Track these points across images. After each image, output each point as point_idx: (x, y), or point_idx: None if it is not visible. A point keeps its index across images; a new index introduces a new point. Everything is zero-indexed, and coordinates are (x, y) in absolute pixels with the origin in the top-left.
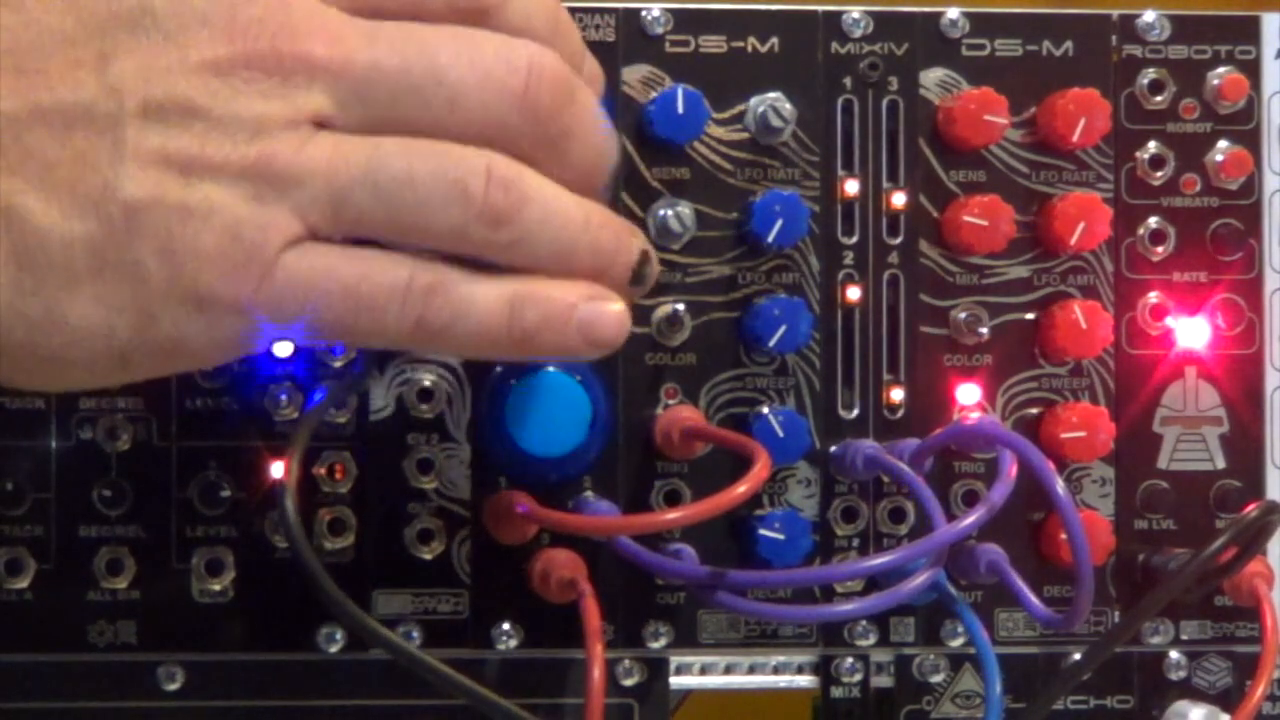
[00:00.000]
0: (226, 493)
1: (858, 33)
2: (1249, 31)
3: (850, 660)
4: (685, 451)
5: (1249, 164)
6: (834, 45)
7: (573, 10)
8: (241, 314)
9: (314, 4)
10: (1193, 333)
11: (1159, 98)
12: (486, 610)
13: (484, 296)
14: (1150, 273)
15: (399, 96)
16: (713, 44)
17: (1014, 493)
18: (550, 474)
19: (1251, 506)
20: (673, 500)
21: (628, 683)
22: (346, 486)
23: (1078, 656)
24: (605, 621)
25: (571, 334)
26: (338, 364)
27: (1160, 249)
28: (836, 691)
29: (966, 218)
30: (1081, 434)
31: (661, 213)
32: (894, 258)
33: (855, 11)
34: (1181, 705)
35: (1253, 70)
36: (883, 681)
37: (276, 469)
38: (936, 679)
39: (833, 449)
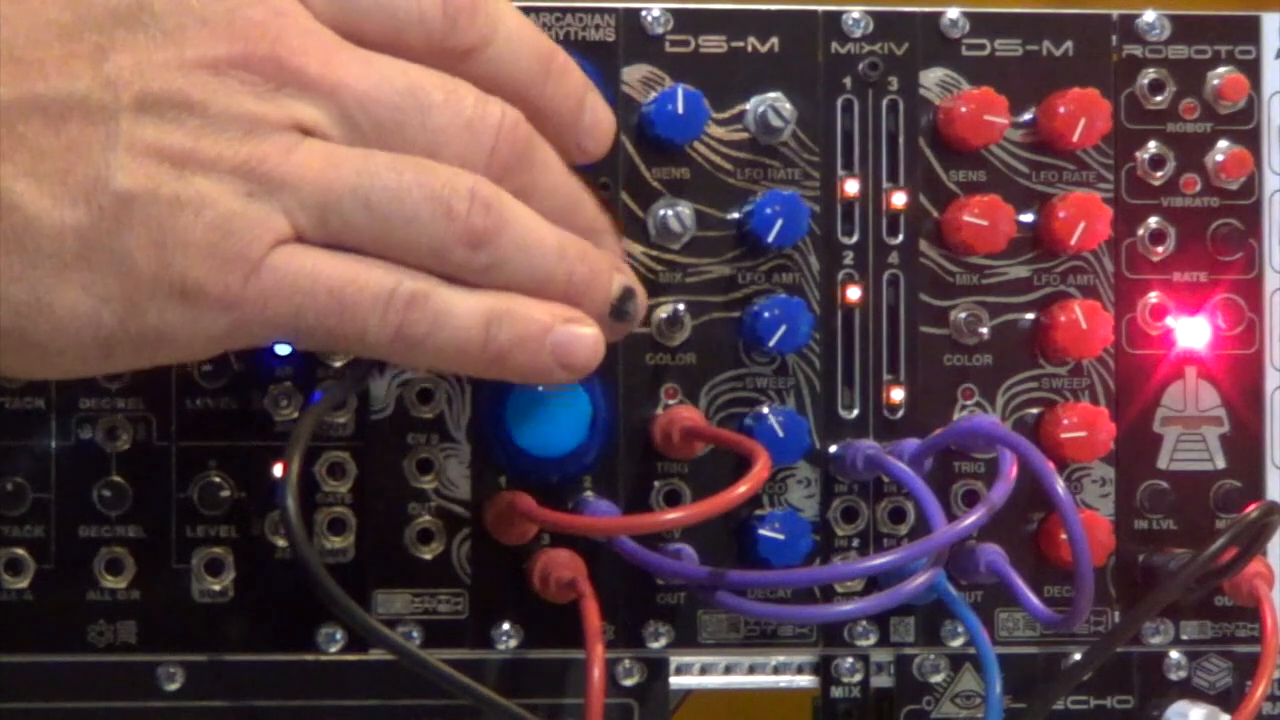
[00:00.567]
0: (226, 493)
1: (858, 33)
2: (1249, 31)
3: (850, 660)
4: (685, 451)
5: (1249, 164)
6: (834, 45)
7: (573, 10)
8: (227, 309)
9: (309, 20)
10: (1193, 333)
11: (1159, 98)
12: (486, 610)
13: (463, 310)
14: (1150, 273)
15: (385, 129)
16: (713, 44)
17: (1014, 493)
18: (550, 474)
19: (1251, 507)
20: (673, 500)
21: (628, 683)
22: (346, 486)
23: (1078, 656)
24: (605, 621)
25: (544, 355)
26: (338, 364)
27: (1160, 249)
28: (836, 691)
29: (966, 218)
30: (1081, 434)
31: (661, 213)
32: (894, 258)
33: (855, 11)
34: (1181, 705)
35: (1253, 70)
36: (883, 681)
37: (277, 469)
38: (936, 679)
39: (833, 449)
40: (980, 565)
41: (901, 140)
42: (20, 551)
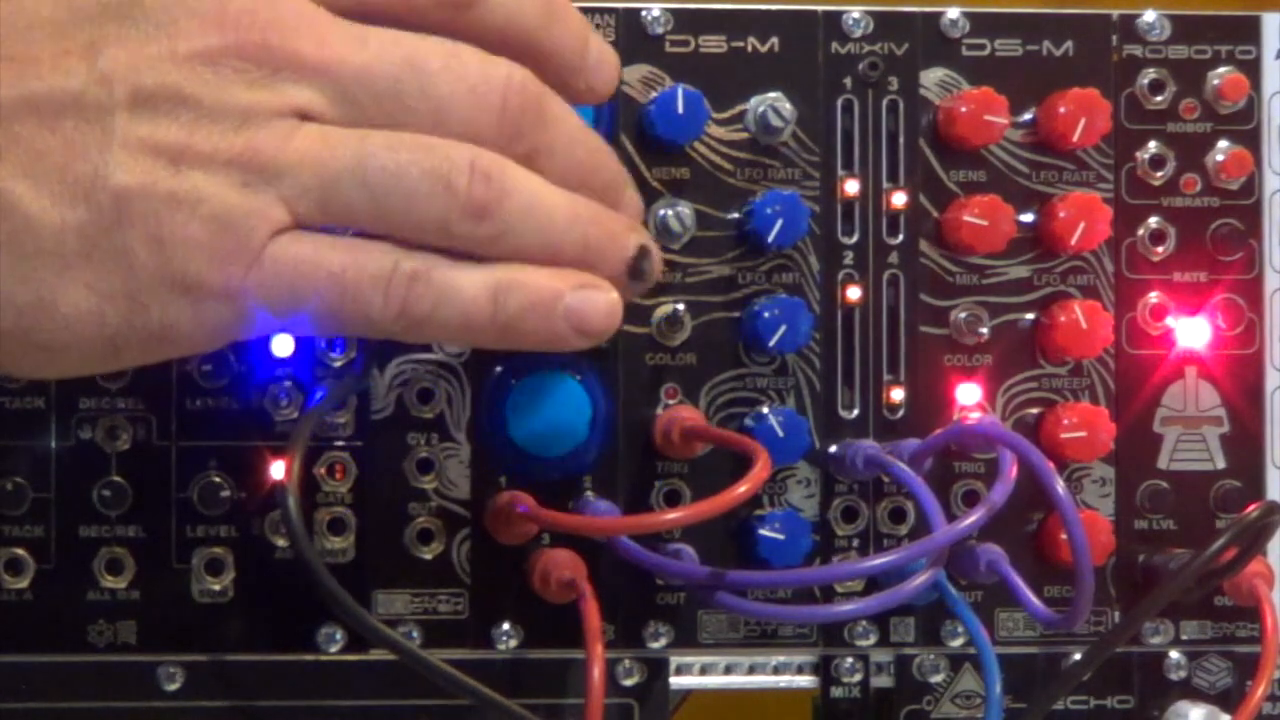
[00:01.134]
0: (226, 493)
1: (858, 33)
2: (1249, 31)
3: (850, 660)
4: (685, 451)
5: (1249, 164)
6: (834, 45)
7: None
8: (230, 301)
9: (303, 2)
10: (1193, 333)
11: (1159, 98)
12: (486, 610)
13: (468, 283)
14: (1150, 273)
15: (384, 104)
16: (713, 44)
17: (1014, 493)
18: (550, 474)
19: (1252, 507)
20: (673, 500)
21: (628, 683)
22: (346, 486)
23: (1078, 656)
24: (605, 621)
25: (558, 321)
26: (338, 364)
27: (1160, 249)
28: (836, 691)
29: (966, 218)
30: (1081, 434)
31: (661, 213)
32: (894, 258)
33: (855, 11)
34: (1181, 705)
35: (1253, 70)
36: (883, 681)
37: (276, 469)
38: (936, 679)
39: (833, 449)
40: (980, 565)
41: (901, 140)
42: (20, 551)
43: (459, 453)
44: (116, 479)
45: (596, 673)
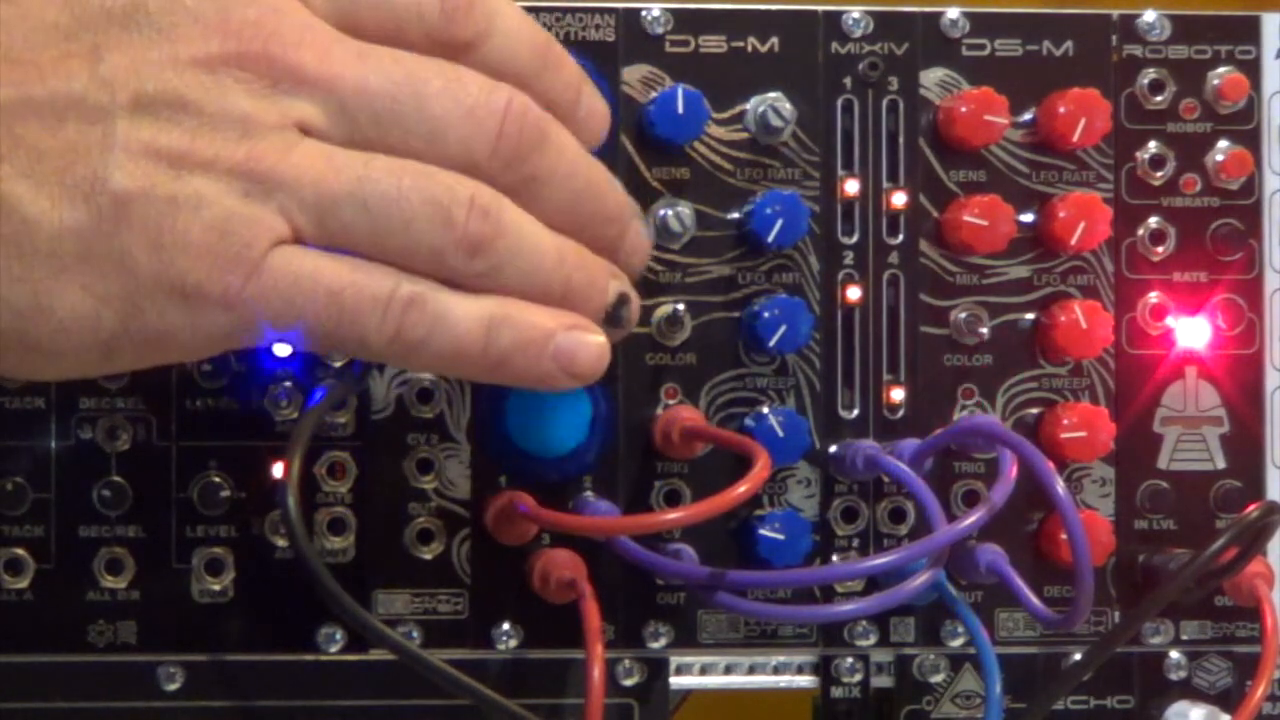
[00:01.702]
0: (226, 493)
1: (858, 33)
2: (1249, 31)
3: (850, 660)
4: (685, 451)
5: (1249, 164)
6: (834, 45)
7: (573, 10)
8: (228, 309)
9: (306, 16)
10: (1193, 333)
11: (1159, 98)
12: (486, 610)
13: (463, 314)
14: (1150, 273)
15: (383, 122)
16: (713, 44)
17: (1014, 493)
18: (550, 474)
19: (1252, 507)
20: (673, 500)
21: (628, 683)
22: (346, 486)
23: (1078, 656)
24: (605, 621)
25: (546, 361)
26: (338, 364)
27: (1160, 249)
28: (836, 691)
29: (966, 218)
30: (1081, 434)
31: (661, 213)
32: (894, 258)
33: (855, 11)
34: (1181, 705)
35: (1253, 70)
36: (883, 681)
37: (277, 469)
38: (936, 679)
39: (833, 449)
40: (980, 565)
41: (901, 140)
42: (20, 551)
43: (459, 453)
44: (116, 479)
45: (596, 673)
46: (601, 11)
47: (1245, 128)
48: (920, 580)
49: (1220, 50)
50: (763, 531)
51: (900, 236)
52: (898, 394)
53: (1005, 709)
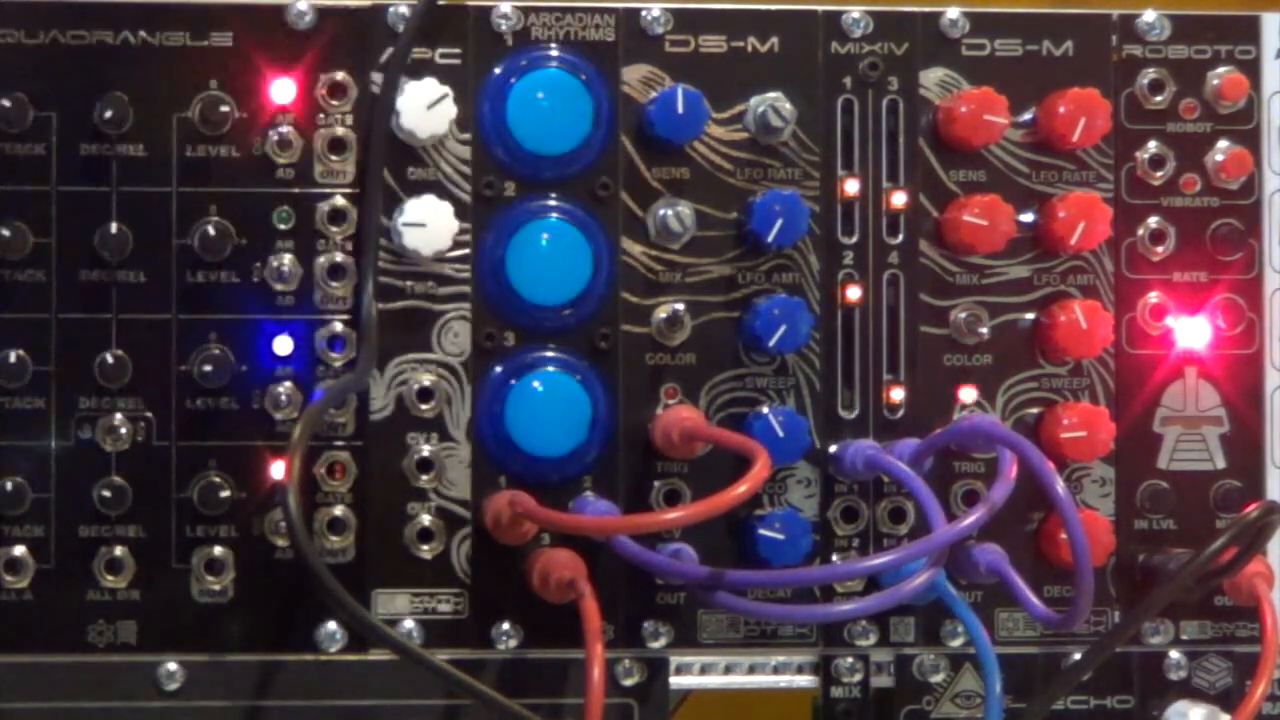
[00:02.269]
0: (226, 493)
1: (858, 33)
2: (1249, 31)
3: (850, 660)
4: (685, 451)
5: (1249, 164)
6: (834, 45)
7: (573, 10)
8: None
9: None
10: (1193, 333)
11: (1159, 98)
12: (486, 610)
13: None
14: (1150, 273)
15: None
16: (713, 44)
17: (1014, 493)
18: (550, 474)
19: (1251, 506)
20: (673, 500)
21: (628, 683)
22: (346, 486)
23: (1078, 656)
24: (605, 621)
25: None
26: (338, 363)
27: (1160, 249)
28: (836, 691)
29: (966, 218)
30: (1081, 434)
31: (661, 213)
32: (894, 258)
33: (855, 11)
34: (1181, 705)
35: (1253, 70)
36: (883, 681)
37: (276, 469)
38: (936, 679)
39: (833, 449)
40: (980, 565)
41: (901, 140)
42: (20, 551)
43: (459, 453)
44: (116, 479)
45: (596, 673)
46: (601, 11)
47: (1245, 128)
48: (920, 580)
49: (1220, 50)
50: (763, 531)
51: (900, 236)
52: (898, 394)
53: (1005, 709)
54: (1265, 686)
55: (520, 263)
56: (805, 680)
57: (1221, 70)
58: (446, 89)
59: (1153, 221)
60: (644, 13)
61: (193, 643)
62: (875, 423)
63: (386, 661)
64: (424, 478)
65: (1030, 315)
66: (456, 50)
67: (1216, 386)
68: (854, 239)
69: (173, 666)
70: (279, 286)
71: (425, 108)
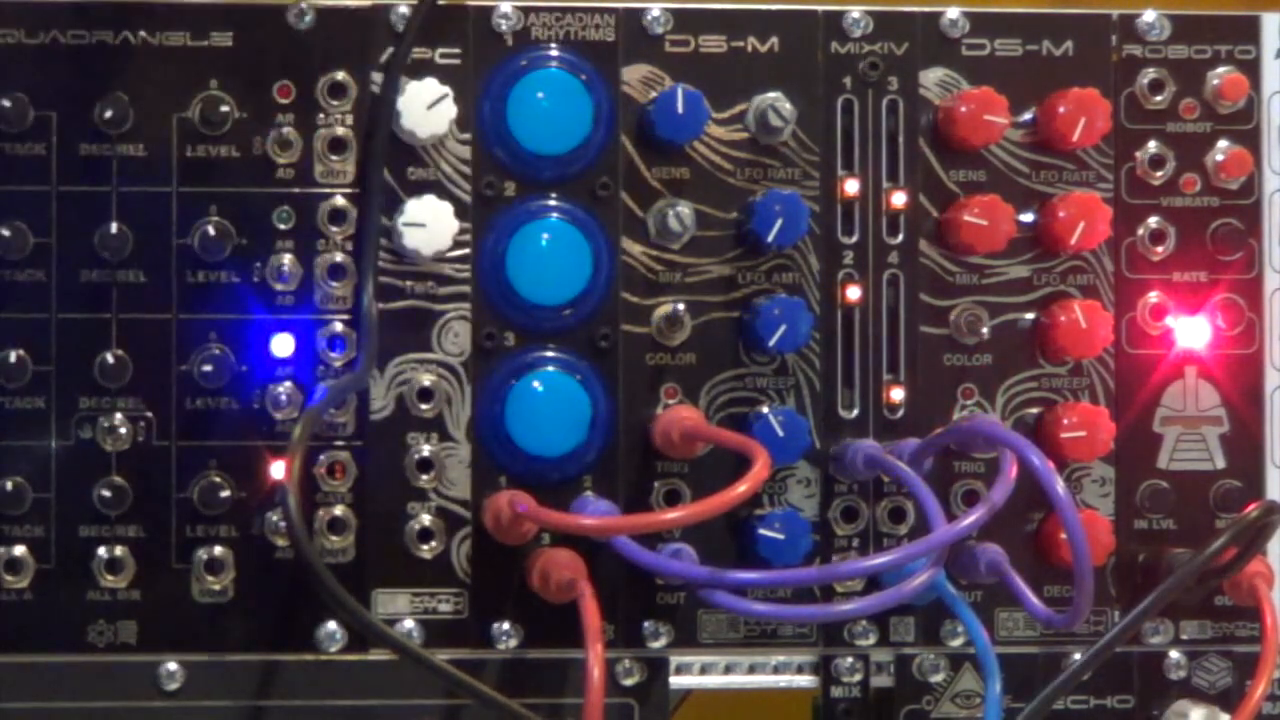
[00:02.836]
0: (226, 493)
1: (858, 33)
2: (1249, 31)
3: (850, 660)
4: (685, 451)
5: (1249, 164)
6: (834, 45)
7: (573, 10)
8: None
9: None
10: (1193, 333)
11: (1159, 97)
12: (486, 610)
13: None
14: (1150, 272)
15: None
16: (713, 44)
17: (1014, 493)
18: (550, 474)
19: (1251, 506)
20: (673, 500)
21: (628, 683)
22: (346, 486)
23: (1078, 656)
24: (605, 621)
25: None
26: (338, 363)
27: (1160, 249)
28: (836, 691)
29: (966, 218)
30: (1081, 434)
31: (661, 213)
32: (894, 258)
33: (855, 11)
34: (1181, 705)
35: (1253, 70)
36: (883, 681)
37: (276, 469)
38: (936, 679)
39: (833, 449)
40: (980, 565)
41: (901, 140)
42: (20, 551)
43: (459, 452)
44: (116, 479)
45: (596, 673)
46: (601, 11)
47: (1245, 128)
48: (920, 580)
49: (1220, 50)
50: (763, 531)
51: (900, 236)
52: (898, 394)
53: (1005, 709)
54: (1265, 686)
55: (520, 263)
56: (805, 680)
57: (1221, 70)
58: (446, 89)
59: (1153, 221)
60: (644, 13)
61: (193, 643)
62: (875, 423)
63: (386, 661)
64: (424, 478)
65: (1030, 315)
66: (456, 50)
67: (1216, 386)
68: (854, 239)
69: (173, 666)
70: (279, 286)
71: (425, 108)
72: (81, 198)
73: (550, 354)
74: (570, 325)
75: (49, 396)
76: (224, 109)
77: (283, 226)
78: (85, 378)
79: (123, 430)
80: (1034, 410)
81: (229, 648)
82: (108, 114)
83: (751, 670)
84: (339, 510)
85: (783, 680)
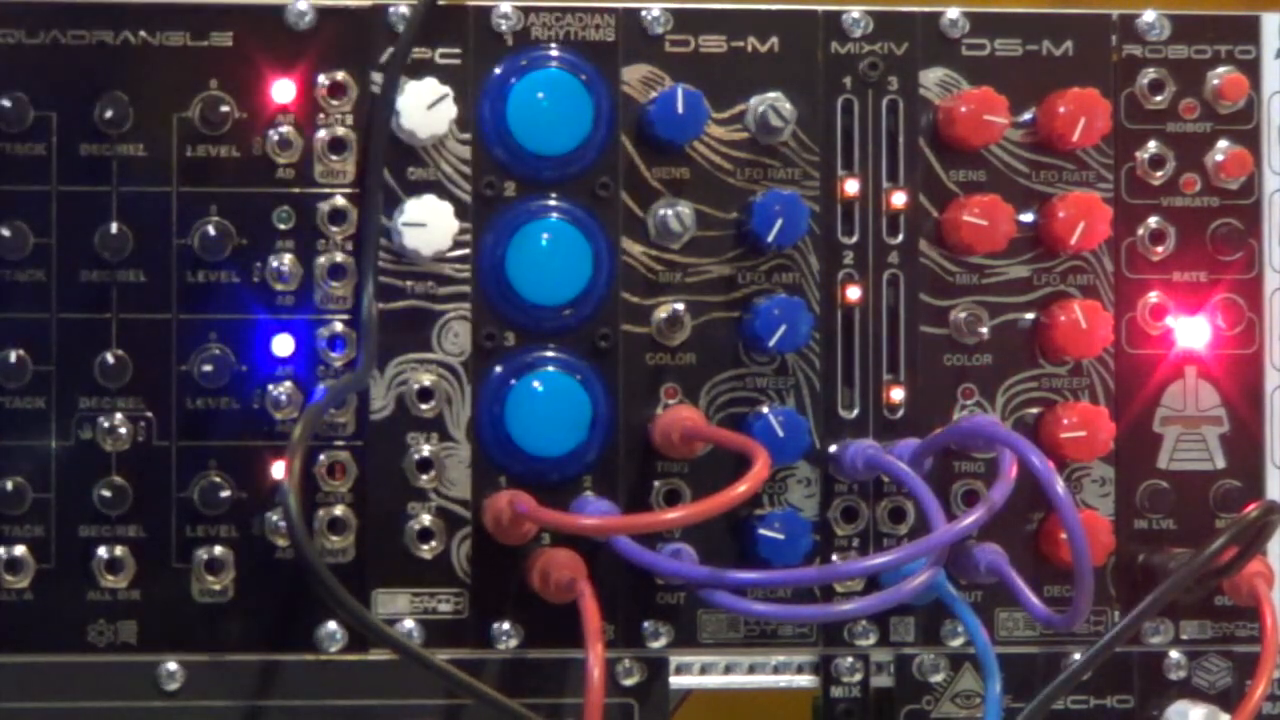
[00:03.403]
0: (226, 493)
1: (858, 33)
2: (1249, 31)
3: (850, 660)
4: (685, 451)
5: (1249, 164)
6: (834, 45)
7: (573, 10)
8: None
9: None
10: (1193, 333)
11: (1159, 97)
12: (486, 610)
13: None
14: (1150, 272)
15: None
16: (713, 44)
17: (1014, 493)
18: (550, 474)
19: (1251, 506)
20: (673, 500)
21: (628, 683)
22: (346, 486)
23: (1078, 656)
24: (605, 621)
25: None
26: (338, 363)
27: (1160, 249)
28: (836, 691)
29: (966, 218)
30: (1081, 434)
31: (661, 213)
32: (894, 258)
33: (855, 11)
34: (1181, 705)
35: (1253, 70)
36: (883, 681)
37: (277, 469)
38: (936, 679)
39: (833, 449)
40: (980, 565)
41: (901, 140)
42: (20, 551)
43: (459, 452)
44: (116, 479)
45: (596, 673)
46: (601, 11)
47: (1245, 128)
48: (920, 580)
49: (1220, 50)
50: (763, 531)
51: (900, 236)
52: (898, 394)
53: (1005, 709)
54: (1265, 686)
55: (520, 263)
56: (805, 680)
57: (1221, 70)
58: (446, 89)
59: (1153, 221)
60: (644, 13)
61: (193, 643)
62: (875, 423)
63: (386, 661)
64: (424, 478)
65: (1030, 315)
66: (456, 50)
67: (1216, 386)
68: (854, 239)
69: (173, 666)
70: (279, 286)
71: (425, 108)
72: (81, 198)
73: (550, 354)
74: (570, 325)
75: (49, 396)
76: (224, 109)
77: (283, 226)
78: (85, 378)
79: (123, 430)
80: (1034, 410)
81: (229, 648)
82: (108, 114)
83: (751, 670)
84: (339, 510)
85: (783, 680)
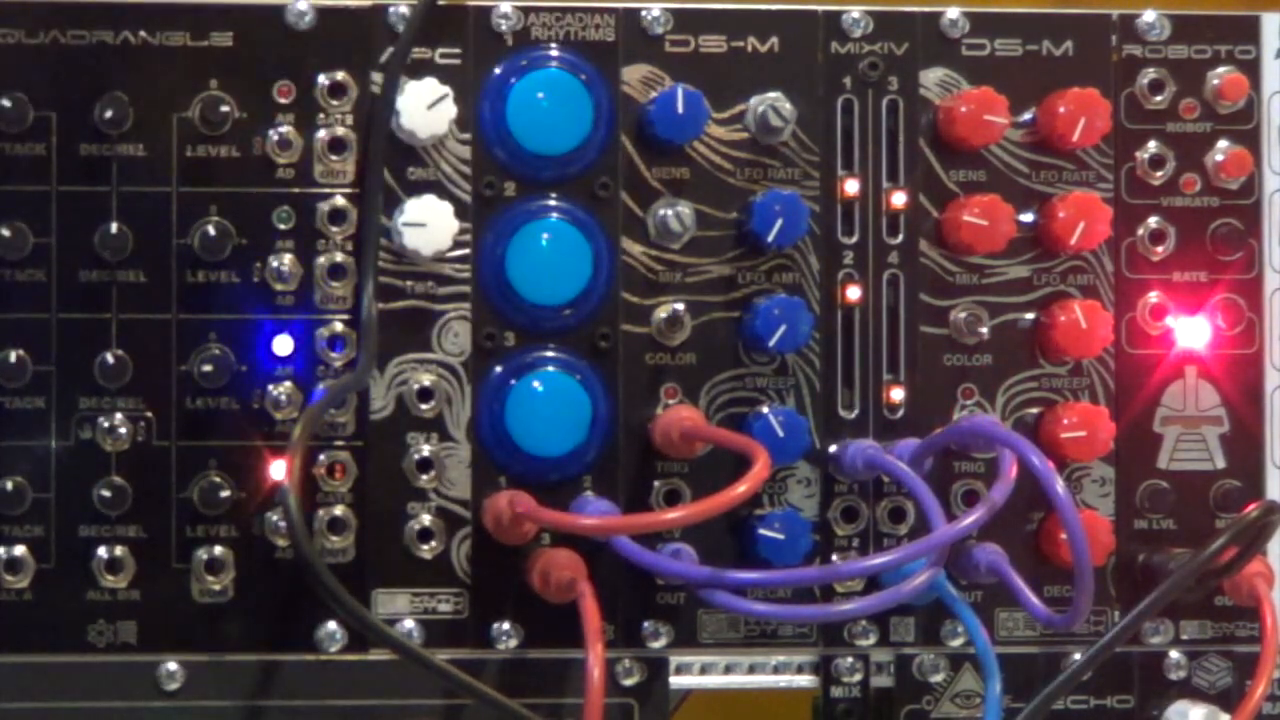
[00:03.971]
0: (226, 493)
1: (858, 33)
2: (1249, 31)
3: (850, 660)
4: (685, 451)
5: (1249, 164)
6: (834, 45)
7: (573, 10)
8: None
9: None
10: (1193, 332)
11: (1159, 97)
12: (486, 610)
13: None
14: (1150, 272)
15: None
16: (713, 44)
17: (1014, 493)
18: (550, 474)
19: (1251, 506)
20: (673, 500)
21: (628, 683)
22: (346, 486)
23: (1078, 656)
24: (605, 621)
25: None
26: (338, 363)
27: (1160, 249)
28: (836, 691)
29: (966, 218)
30: (1081, 434)
31: (661, 213)
32: (894, 258)
33: (855, 11)
34: (1181, 705)
35: (1253, 70)
36: (883, 681)
37: (276, 469)
38: (936, 679)
39: (833, 449)
40: (980, 565)
41: (901, 140)
42: (20, 551)
43: (459, 453)
44: (116, 479)
45: (596, 673)
46: (601, 11)
47: (1245, 127)
48: (920, 580)
49: (1220, 50)
50: (763, 531)
51: (900, 236)
52: (898, 394)
53: (1005, 709)
54: (1265, 686)
55: (520, 263)
56: (805, 680)
57: (1221, 70)
58: (446, 89)
59: (1153, 221)
60: (644, 13)
61: (193, 643)
62: (875, 423)
63: (386, 661)
64: (424, 478)
65: (1030, 315)
66: (456, 50)
67: (1216, 386)
68: (854, 239)
69: (173, 666)
70: (279, 286)
71: (425, 108)
72: (81, 198)
73: (550, 354)
74: (570, 325)
75: (49, 396)
76: (224, 109)
77: (283, 226)
78: (85, 378)
79: (123, 430)
80: (1034, 410)
81: (229, 648)
82: (108, 114)
83: (751, 670)
84: (339, 510)
85: (783, 680)
